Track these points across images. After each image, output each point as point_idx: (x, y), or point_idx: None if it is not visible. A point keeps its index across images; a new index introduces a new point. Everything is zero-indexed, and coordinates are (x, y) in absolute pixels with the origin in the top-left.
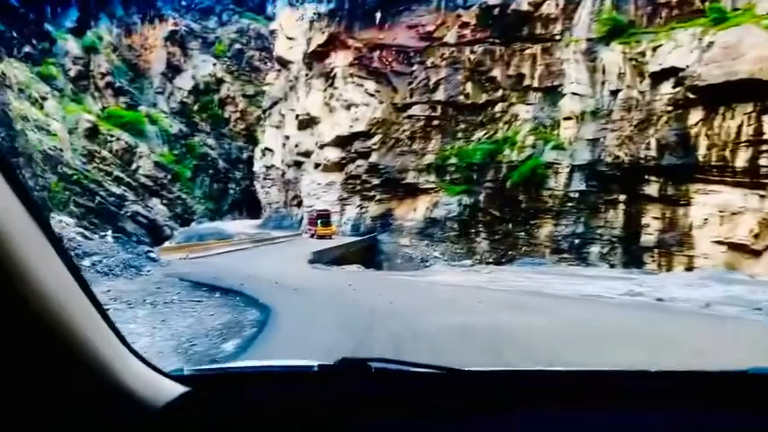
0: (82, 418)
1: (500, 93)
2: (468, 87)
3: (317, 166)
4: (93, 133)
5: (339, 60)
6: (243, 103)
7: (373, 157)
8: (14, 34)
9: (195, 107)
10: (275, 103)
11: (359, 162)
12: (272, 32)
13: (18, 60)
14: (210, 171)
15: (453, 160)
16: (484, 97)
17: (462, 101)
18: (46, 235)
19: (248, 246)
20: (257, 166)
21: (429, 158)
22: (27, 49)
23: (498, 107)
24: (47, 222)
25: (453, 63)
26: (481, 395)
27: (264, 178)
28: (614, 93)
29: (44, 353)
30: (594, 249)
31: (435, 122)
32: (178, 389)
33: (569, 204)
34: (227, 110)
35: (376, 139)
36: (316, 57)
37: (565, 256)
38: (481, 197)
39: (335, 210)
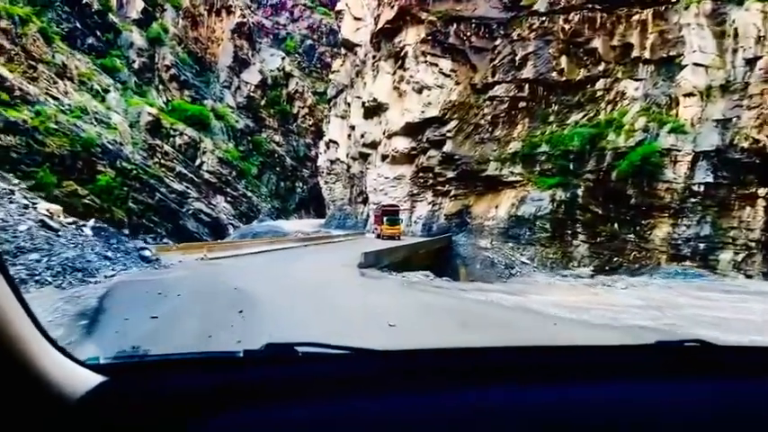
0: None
1: (602, 67)
2: (563, 62)
3: (384, 158)
4: (155, 127)
5: (410, 37)
6: (312, 98)
7: (448, 147)
8: (78, 25)
9: (262, 102)
10: (341, 91)
11: (431, 152)
12: (338, 14)
13: (81, 52)
14: (277, 168)
15: (544, 148)
16: (582, 73)
17: (555, 78)
18: None
19: (294, 245)
20: (321, 161)
21: (514, 146)
22: (91, 40)
23: (600, 84)
24: None
25: (544, 35)
26: (410, 374)
27: (328, 173)
28: (751, 61)
29: None
30: (725, 256)
31: (522, 104)
32: (96, 378)
33: (692, 200)
34: (295, 105)
35: (451, 125)
36: (384, 35)
37: (686, 263)
38: (579, 191)
39: (405, 207)
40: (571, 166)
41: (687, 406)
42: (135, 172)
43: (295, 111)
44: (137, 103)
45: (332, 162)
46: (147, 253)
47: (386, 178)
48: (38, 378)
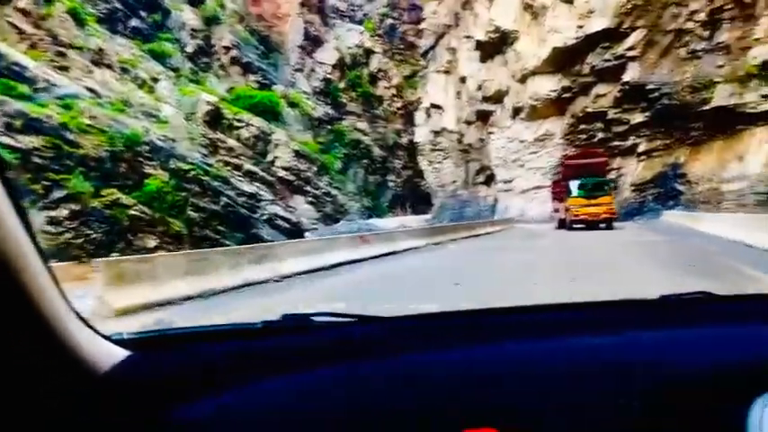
0: (24, 381)
1: None
2: None
3: (516, 112)
4: (216, 118)
5: None
6: (398, 77)
7: (632, 73)
8: (118, 5)
9: (341, 84)
10: (441, 37)
11: (600, 88)
12: None
13: (124, 36)
14: (364, 160)
15: None
16: None
17: None
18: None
19: (410, 244)
20: (420, 135)
21: (761, 53)
22: (134, 22)
23: None
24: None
25: None
26: (419, 337)
27: (432, 149)
28: None
29: None
30: None
31: None
32: (121, 353)
33: None
34: (379, 86)
35: (635, 38)
36: None
37: None
38: None
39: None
40: None
41: (685, 355)
42: (193, 173)
43: (380, 92)
44: (191, 92)
45: (436, 134)
46: None
47: (521, 142)
48: (66, 351)
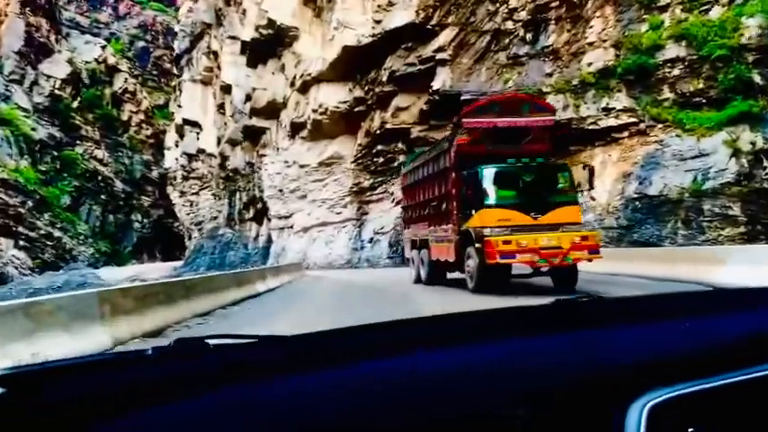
0: None
1: None
2: None
3: (296, 129)
4: None
5: None
6: (148, 100)
7: (442, 79)
8: None
9: (75, 104)
10: (199, 38)
11: (402, 99)
12: None
13: None
14: (102, 196)
15: (675, 50)
16: None
17: None
18: None
19: None
20: (170, 160)
21: (596, 59)
22: None
23: None
24: None
25: None
26: (315, 353)
27: (185, 177)
28: None
29: None
30: None
31: None
32: None
33: None
34: (124, 110)
35: (444, 38)
36: None
37: None
38: None
39: (345, 217)
40: (758, 78)
41: (572, 358)
42: None
43: (125, 117)
44: None
45: (191, 157)
46: None
47: (302, 167)
48: None
